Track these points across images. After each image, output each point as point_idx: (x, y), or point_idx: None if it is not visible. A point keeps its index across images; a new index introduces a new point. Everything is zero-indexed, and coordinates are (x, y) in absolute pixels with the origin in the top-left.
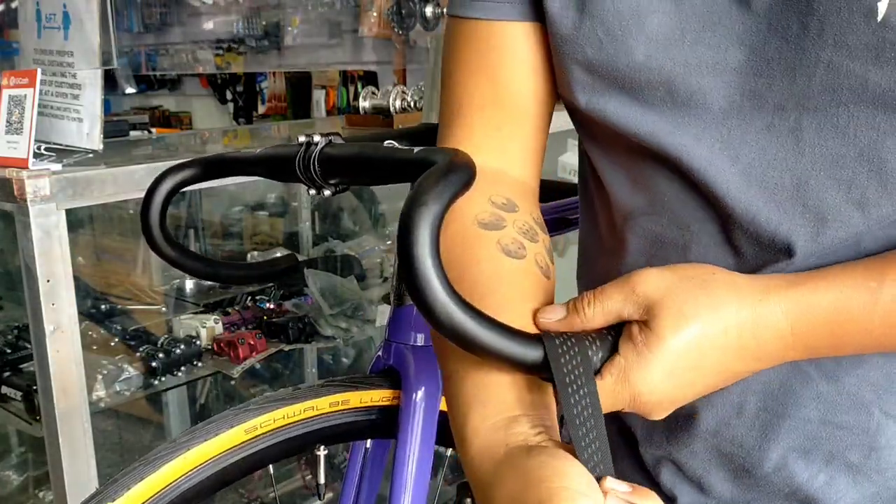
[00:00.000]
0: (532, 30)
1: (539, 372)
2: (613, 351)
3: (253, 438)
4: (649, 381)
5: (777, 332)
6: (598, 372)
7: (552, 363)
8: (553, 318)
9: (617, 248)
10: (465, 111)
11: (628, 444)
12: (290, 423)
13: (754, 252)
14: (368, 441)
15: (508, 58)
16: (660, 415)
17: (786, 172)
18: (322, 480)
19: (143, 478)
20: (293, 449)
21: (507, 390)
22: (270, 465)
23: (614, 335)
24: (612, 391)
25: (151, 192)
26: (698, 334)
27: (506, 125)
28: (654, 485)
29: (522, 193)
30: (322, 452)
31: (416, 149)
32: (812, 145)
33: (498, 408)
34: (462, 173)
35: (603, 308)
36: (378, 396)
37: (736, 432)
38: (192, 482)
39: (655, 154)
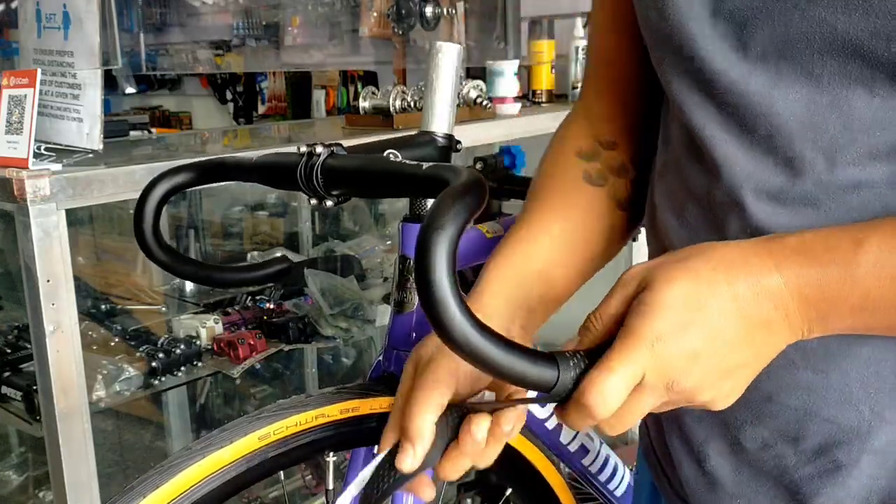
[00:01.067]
0: None
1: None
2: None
3: (266, 445)
4: (655, 328)
5: (765, 281)
6: (609, 347)
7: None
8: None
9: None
10: (592, 64)
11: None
12: (301, 430)
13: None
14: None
15: (609, 18)
16: (689, 380)
17: (760, 118)
18: (331, 486)
19: (160, 485)
20: (304, 455)
21: None
22: (281, 472)
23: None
24: (626, 360)
25: (145, 195)
26: (688, 280)
27: (615, 81)
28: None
29: (630, 132)
30: (331, 459)
31: (425, 165)
32: (789, 91)
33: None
34: (475, 194)
35: (610, 316)
36: (384, 403)
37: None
38: (206, 489)
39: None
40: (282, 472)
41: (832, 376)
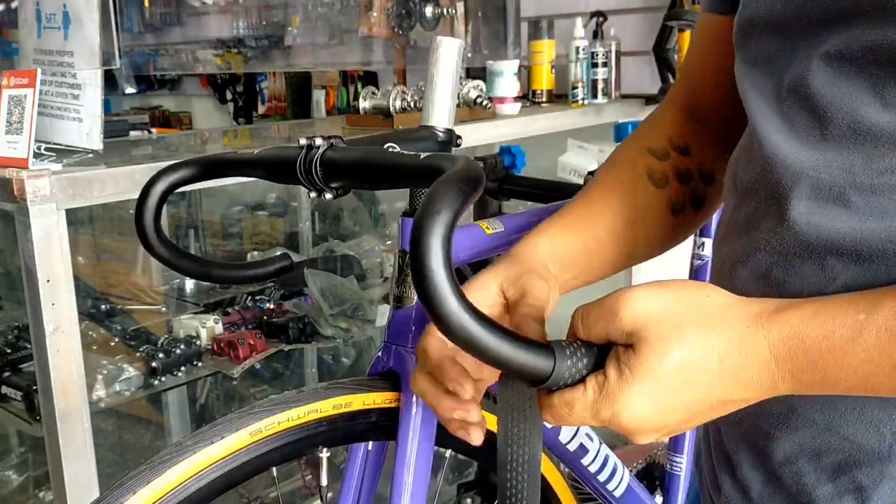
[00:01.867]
0: (714, 18)
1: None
2: (600, 366)
3: (257, 441)
4: (630, 405)
5: (761, 360)
6: (582, 380)
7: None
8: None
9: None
10: (684, 69)
11: None
12: (293, 426)
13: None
14: (370, 442)
15: (699, 36)
16: (642, 438)
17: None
18: (325, 483)
19: (150, 481)
20: (297, 452)
21: None
22: (274, 469)
23: (603, 350)
24: (592, 406)
25: (146, 191)
26: (681, 359)
27: (696, 82)
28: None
29: (703, 142)
30: (325, 455)
31: (423, 155)
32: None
33: None
34: (472, 182)
35: (591, 333)
36: (379, 398)
37: (759, 411)
38: (197, 485)
39: None
40: (274, 470)
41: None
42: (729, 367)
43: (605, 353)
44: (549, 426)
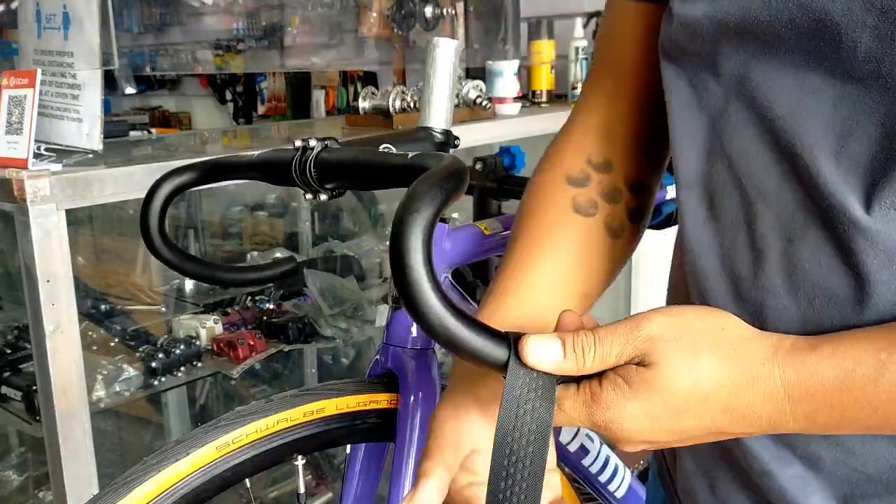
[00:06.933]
0: (642, 6)
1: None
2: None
3: (225, 455)
4: (626, 416)
5: (774, 399)
6: (576, 381)
7: (507, 381)
8: (546, 359)
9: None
10: (593, 69)
11: None
12: (263, 437)
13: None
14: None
15: (619, 26)
16: (629, 448)
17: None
18: (302, 490)
19: (115, 503)
20: (269, 461)
21: None
22: (247, 480)
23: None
24: (581, 412)
25: (150, 195)
26: (691, 386)
27: (618, 82)
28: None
29: (628, 151)
30: (300, 463)
31: (411, 154)
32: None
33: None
34: (454, 179)
35: (602, 357)
36: (350, 402)
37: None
38: (168, 503)
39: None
40: (248, 481)
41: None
42: (738, 403)
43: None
44: None
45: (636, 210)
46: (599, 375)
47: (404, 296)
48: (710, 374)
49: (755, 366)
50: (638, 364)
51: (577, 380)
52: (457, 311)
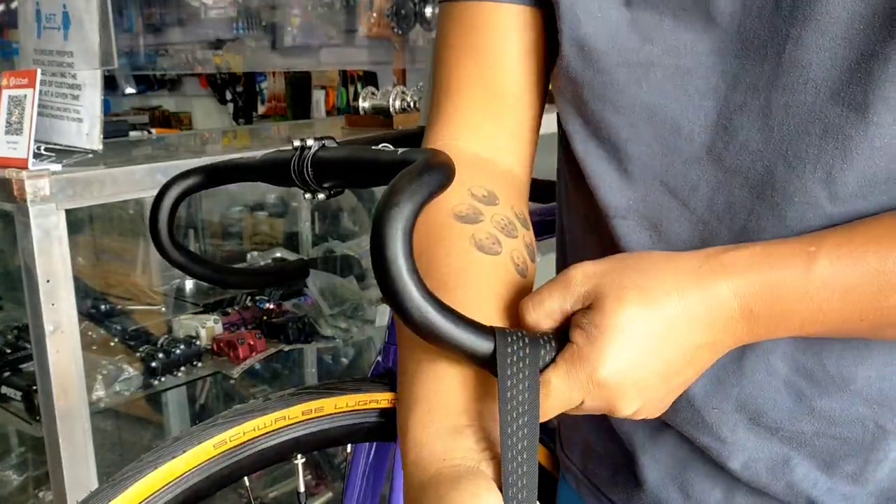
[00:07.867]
0: (522, 12)
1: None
2: (564, 342)
3: (223, 453)
4: (604, 360)
5: (719, 298)
6: (552, 361)
7: (498, 357)
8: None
9: (602, 247)
10: (452, 93)
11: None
12: (260, 435)
13: (729, 241)
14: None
15: (497, 38)
16: (626, 403)
17: (756, 155)
18: (302, 489)
19: (111, 500)
20: (268, 460)
21: (458, 395)
22: (246, 479)
23: (565, 330)
24: (566, 379)
25: (160, 199)
26: (643, 305)
27: (492, 107)
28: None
29: (507, 184)
30: (300, 462)
31: (401, 150)
32: (780, 124)
33: (444, 413)
34: (438, 173)
35: (545, 309)
36: (350, 401)
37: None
38: (163, 500)
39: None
40: (246, 480)
41: (840, 400)
42: (688, 306)
43: (559, 335)
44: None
45: (530, 245)
46: (568, 340)
47: (384, 289)
48: (656, 288)
49: (693, 269)
50: (588, 308)
51: (555, 359)
52: (439, 303)
